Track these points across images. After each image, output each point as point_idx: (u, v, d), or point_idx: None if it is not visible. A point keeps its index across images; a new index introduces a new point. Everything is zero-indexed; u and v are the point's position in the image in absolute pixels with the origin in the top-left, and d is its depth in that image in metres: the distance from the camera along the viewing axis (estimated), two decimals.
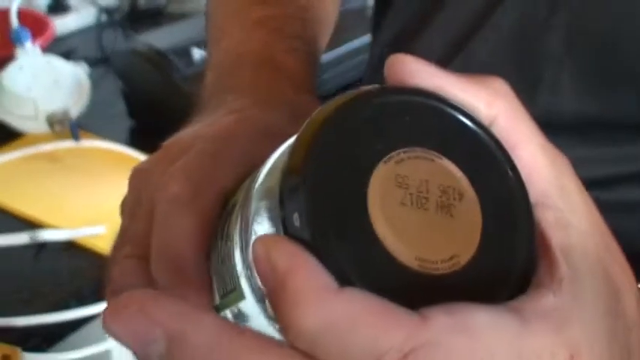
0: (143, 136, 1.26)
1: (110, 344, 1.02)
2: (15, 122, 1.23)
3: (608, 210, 0.33)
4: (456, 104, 0.30)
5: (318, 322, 0.24)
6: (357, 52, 1.34)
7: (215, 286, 0.35)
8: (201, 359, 0.26)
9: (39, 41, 1.34)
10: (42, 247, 1.03)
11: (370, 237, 0.27)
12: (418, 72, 0.30)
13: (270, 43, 0.53)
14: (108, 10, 1.61)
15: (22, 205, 1.08)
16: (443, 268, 0.27)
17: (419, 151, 0.28)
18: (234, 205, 0.34)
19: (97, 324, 1.00)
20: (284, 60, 0.52)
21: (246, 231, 0.30)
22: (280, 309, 0.25)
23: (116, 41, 1.55)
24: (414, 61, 0.30)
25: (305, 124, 0.28)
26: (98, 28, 1.59)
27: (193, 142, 0.40)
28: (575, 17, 0.52)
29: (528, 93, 0.46)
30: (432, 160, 0.29)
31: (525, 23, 0.54)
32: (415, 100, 0.29)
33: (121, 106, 1.31)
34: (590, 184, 0.32)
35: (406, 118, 0.29)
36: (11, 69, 1.26)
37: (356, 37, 1.35)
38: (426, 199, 0.28)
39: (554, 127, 0.33)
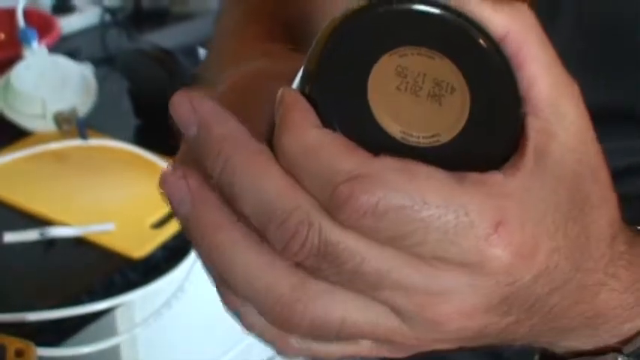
0: (149, 135, 1.27)
1: (120, 339, 1.03)
2: (23, 121, 1.25)
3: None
4: (463, 14, 0.33)
5: (295, 145, 0.31)
6: None
7: None
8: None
9: (45, 41, 1.35)
10: (52, 243, 1.04)
11: (362, 105, 0.32)
12: None
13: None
14: (112, 10, 1.63)
15: (32, 202, 1.10)
16: (423, 142, 0.32)
17: (422, 50, 0.33)
18: None
19: (107, 319, 1.02)
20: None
21: None
22: (276, 133, 0.32)
23: (120, 41, 1.56)
24: None
25: (321, 29, 0.33)
26: (102, 28, 1.60)
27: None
28: (583, 5, 0.53)
29: None
30: (433, 58, 0.33)
31: (535, 6, 0.55)
32: (421, 7, 0.33)
33: (126, 105, 1.33)
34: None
35: (412, 23, 0.33)
36: (19, 68, 1.28)
37: None
38: (420, 87, 0.32)
39: None
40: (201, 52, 1.26)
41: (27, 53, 1.31)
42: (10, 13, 1.42)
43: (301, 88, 0.33)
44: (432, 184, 0.30)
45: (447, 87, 0.32)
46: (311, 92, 0.32)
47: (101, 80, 1.35)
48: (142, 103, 1.32)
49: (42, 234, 1.04)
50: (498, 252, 0.30)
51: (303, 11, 0.62)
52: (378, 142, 0.31)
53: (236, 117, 0.36)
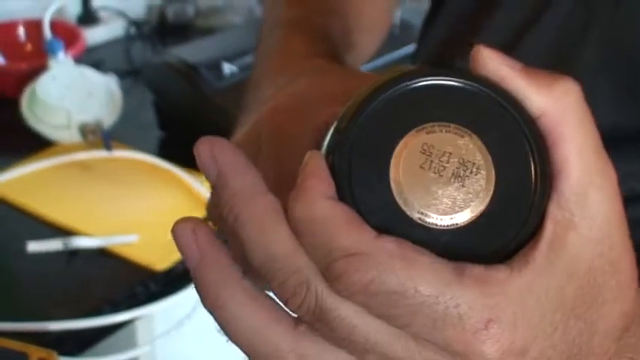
0: (172, 147, 1.28)
1: (140, 351, 1.04)
2: (48, 132, 1.26)
3: (637, 226, 0.35)
4: (498, 88, 0.32)
5: (303, 213, 0.31)
6: (381, 70, 1.36)
7: None
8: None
9: (71, 52, 1.36)
10: (75, 253, 1.05)
11: (382, 181, 0.32)
12: (489, 59, 0.32)
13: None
14: (137, 23, 1.64)
15: (56, 212, 1.10)
16: (440, 225, 0.31)
17: (451, 127, 0.32)
18: None
19: (129, 330, 1.02)
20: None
21: None
22: (290, 195, 0.32)
23: (144, 54, 1.57)
24: (486, 50, 0.33)
25: (355, 94, 0.33)
26: (127, 40, 1.61)
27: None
28: (608, 33, 0.53)
29: None
30: (462, 136, 0.32)
31: (562, 37, 0.55)
32: (455, 82, 0.32)
33: (150, 118, 1.34)
34: (625, 200, 0.33)
35: (445, 97, 0.32)
36: (44, 79, 1.29)
37: (381, 55, 1.37)
38: (444, 167, 0.32)
39: None
40: (225, 66, 1.27)
41: (53, 64, 1.32)
42: (37, 24, 1.44)
43: (326, 152, 0.33)
44: (428, 274, 0.30)
45: (472, 167, 0.32)
46: (334, 159, 0.32)
47: (125, 92, 1.36)
48: (166, 116, 1.32)
49: (65, 244, 1.04)
50: (485, 348, 0.30)
51: (346, 25, 0.63)
52: (392, 221, 0.31)
53: (279, 143, 0.37)
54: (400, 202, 0.31)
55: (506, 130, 0.32)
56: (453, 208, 0.31)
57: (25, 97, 1.29)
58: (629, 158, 0.52)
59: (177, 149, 1.24)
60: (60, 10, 1.52)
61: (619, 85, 0.54)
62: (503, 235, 0.32)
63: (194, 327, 1.08)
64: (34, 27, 1.46)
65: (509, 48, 0.58)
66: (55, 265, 1.03)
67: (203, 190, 1.13)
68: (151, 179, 1.19)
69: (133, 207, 1.13)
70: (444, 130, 0.32)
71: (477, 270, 0.30)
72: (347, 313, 0.31)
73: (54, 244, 1.04)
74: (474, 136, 0.32)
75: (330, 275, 0.30)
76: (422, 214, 0.31)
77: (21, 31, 1.49)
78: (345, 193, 0.31)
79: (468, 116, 0.32)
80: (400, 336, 0.31)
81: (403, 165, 0.32)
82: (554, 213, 0.32)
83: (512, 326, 0.30)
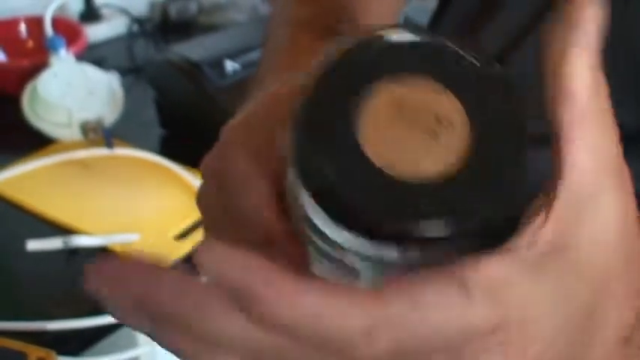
0: (174, 146, 1.27)
1: (141, 350, 1.03)
2: (48, 129, 1.25)
3: None
4: (479, 51, 0.31)
5: (289, 317, 0.27)
6: None
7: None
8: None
9: (72, 49, 1.35)
10: (75, 252, 1.04)
11: (349, 135, 0.30)
12: None
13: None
14: (139, 20, 1.63)
15: (56, 210, 1.10)
16: (410, 180, 0.29)
17: (428, 81, 0.30)
18: None
19: (129, 330, 1.01)
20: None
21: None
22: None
23: (147, 51, 1.56)
24: None
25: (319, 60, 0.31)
26: (129, 37, 1.61)
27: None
28: (616, 31, 0.53)
29: None
30: (438, 92, 0.30)
31: None
32: (435, 41, 0.31)
33: (151, 115, 1.33)
34: None
35: (420, 53, 0.31)
36: (46, 76, 1.28)
37: None
38: (417, 121, 0.30)
39: None
40: (228, 63, 1.26)
41: (54, 61, 1.31)
42: (39, 21, 1.43)
43: (292, 117, 0.31)
44: (447, 314, 0.29)
45: (446, 123, 0.30)
46: (298, 116, 0.30)
47: (127, 90, 1.35)
48: (168, 114, 1.32)
49: (65, 243, 1.03)
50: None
51: (354, 23, 0.62)
52: (362, 175, 0.29)
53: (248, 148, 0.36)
54: (370, 155, 0.30)
55: (484, 89, 0.31)
56: (425, 163, 0.30)
57: (26, 94, 1.28)
58: (637, 158, 0.51)
59: (179, 147, 1.23)
60: (62, 7, 1.51)
61: (626, 84, 0.53)
62: (484, 199, 0.30)
63: None
64: (35, 24, 1.45)
65: (512, 47, 0.57)
66: (55, 263, 1.03)
67: None
68: (152, 177, 1.18)
69: (134, 205, 1.13)
70: (418, 84, 0.31)
71: (476, 275, 0.29)
72: None
73: (54, 243, 1.04)
74: (450, 93, 0.30)
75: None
76: (391, 167, 0.30)
77: (22, 27, 1.48)
78: (315, 157, 0.30)
79: (443, 72, 0.31)
80: None
81: (373, 118, 0.30)
82: (561, 212, 0.30)
83: (521, 329, 0.29)
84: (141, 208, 1.12)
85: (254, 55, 1.27)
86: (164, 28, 1.67)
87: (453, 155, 0.30)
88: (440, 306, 0.29)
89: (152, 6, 1.69)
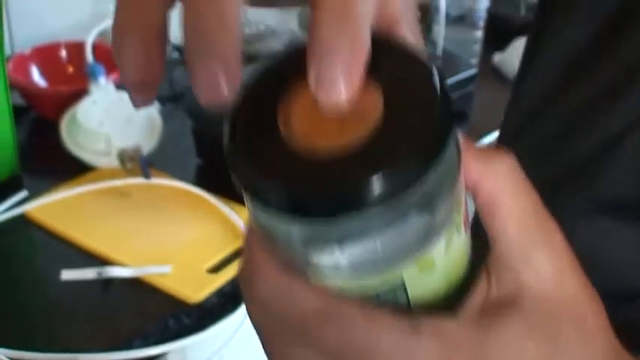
0: (210, 176, 1.27)
1: None
2: (87, 157, 1.25)
3: None
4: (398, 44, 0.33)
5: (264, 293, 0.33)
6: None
7: None
8: None
9: (112, 76, 1.36)
10: (108, 282, 1.03)
11: (274, 133, 0.31)
12: None
13: None
14: (179, 48, 1.63)
15: (91, 239, 1.10)
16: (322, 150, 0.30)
17: None
18: None
19: None
20: None
21: None
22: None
23: (186, 79, 1.56)
24: None
25: None
26: (168, 65, 1.61)
27: None
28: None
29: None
30: None
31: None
32: None
33: (189, 144, 1.33)
34: None
35: None
36: (85, 103, 1.28)
37: None
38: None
39: None
40: None
41: (93, 88, 1.31)
42: (79, 46, 1.44)
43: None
44: (388, 330, 0.32)
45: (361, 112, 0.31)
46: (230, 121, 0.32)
47: (166, 118, 1.35)
48: (205, 144, 1.31)
49: (99, 273, 1.03)
50: None
51: None
52: (277, 152, 0.31)
53: None
54: (288, 140, 0.31)
55: (399, 72, 0.32)
56: (340, 135, 0.31)
57: (65, 121, 1.28)
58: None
59: (216, 177, 1.23)
60: (103, 33, 1.52)
61: None
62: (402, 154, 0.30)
63: None
64: (76, 49, 1.46)
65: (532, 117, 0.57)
66: (88, 294, 1.02)
67: (239, 220, 1.11)
68: (187, 208, 1.17)
69: (169, 236, 1.12)
70: None
71: (431, 323, 0.32)
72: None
73: (88, 274, 1.03)
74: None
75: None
76: (313, 145, 0.31)
77: (63, 53, 1.48)
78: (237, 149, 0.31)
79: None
80: None
81: (294, 110, 0.32)
82: (498, 275, 0.33)
83: None
84: (175, 239, 1.12)
85: None
86: None
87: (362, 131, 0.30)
88: (388, 326, 0.32)
89: None
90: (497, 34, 1.68)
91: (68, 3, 1.55)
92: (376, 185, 0.29)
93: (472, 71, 1.49)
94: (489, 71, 1.66)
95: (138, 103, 0.35)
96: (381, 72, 0.32)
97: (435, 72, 0.32)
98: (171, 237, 1.12)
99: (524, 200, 0.34)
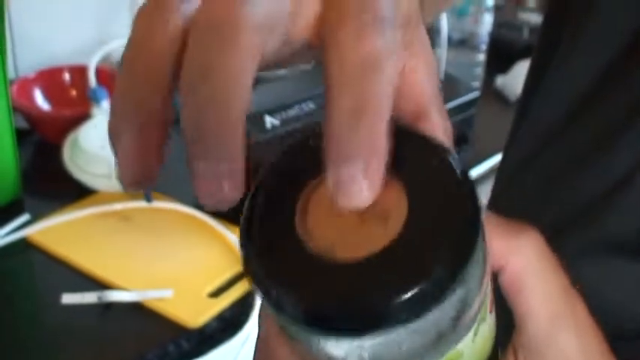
0: None
1: None
2: (88, 180, 1.25)
3: None
4: (421, 134, 0.31)
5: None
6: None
7: None
8: None
9: None
10: (109, 307, 1.03)
11: (287, 224, 0.31)
12: None
13: None
14: None
15: (92, 263, 1.09)
16: (339, 260, 0.29)
17: None
18: None
19: None
20: None
21: None
22: None
23: None
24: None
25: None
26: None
27: None
28: None
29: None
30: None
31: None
32: None
33: None
34: None
35: None
36: (87, 127, 1.29)
37: None
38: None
39: None
40: (268, 119, 1.26)
41: (96, 112, 1.32)
42: (83, 70, 1.44)
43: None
44: None
45: (382, 211, 0.29)
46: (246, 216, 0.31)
47: (167, 141, 1.35)
48: None
49: (100, 297, 1.03)
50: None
51: None
52: (292, 254, 0.30)
53: None
54: (304, 239, 0.30)
55: (428, 174, 0.30)
56: (360, 246, 0.29)
57: (67, 144, 1.29)
58: None
59: None
60: (106, 57, 1.52)
61: None
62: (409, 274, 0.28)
63: None
64: (79, 73, 1.46)
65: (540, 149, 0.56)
66: (88, 318, 1.02)
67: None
68: (189, 231, 1.17)
69: (170, 260, 1.12)
70: None
71: None
72: None
73: (88, 298, 1.03)
74: (393, 178, 0.30)
75: None
76: (332, 251, 0.29)
77: (66, 76, 1.49)
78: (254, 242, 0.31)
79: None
80: None
81: (311, 209, 0.31)
82: (525, 356, 0.34)
83: None
84: (176, 263, 1.12)
85: (293, 111, 1.27)
86: None
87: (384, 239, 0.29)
88: None
89: None
90: (500, 57, 1.69)
91: (72, 27, 1.56)
92: (407, 305, 0.27)
93: (474, 94, 1.49)
94: (492, 94, 1.66)
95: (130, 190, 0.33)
96: (403, 166, 0.30)
97: (459, 166, 0.30)
98: (173, 261, 1.12)
99: (551, 281, 0.34)
